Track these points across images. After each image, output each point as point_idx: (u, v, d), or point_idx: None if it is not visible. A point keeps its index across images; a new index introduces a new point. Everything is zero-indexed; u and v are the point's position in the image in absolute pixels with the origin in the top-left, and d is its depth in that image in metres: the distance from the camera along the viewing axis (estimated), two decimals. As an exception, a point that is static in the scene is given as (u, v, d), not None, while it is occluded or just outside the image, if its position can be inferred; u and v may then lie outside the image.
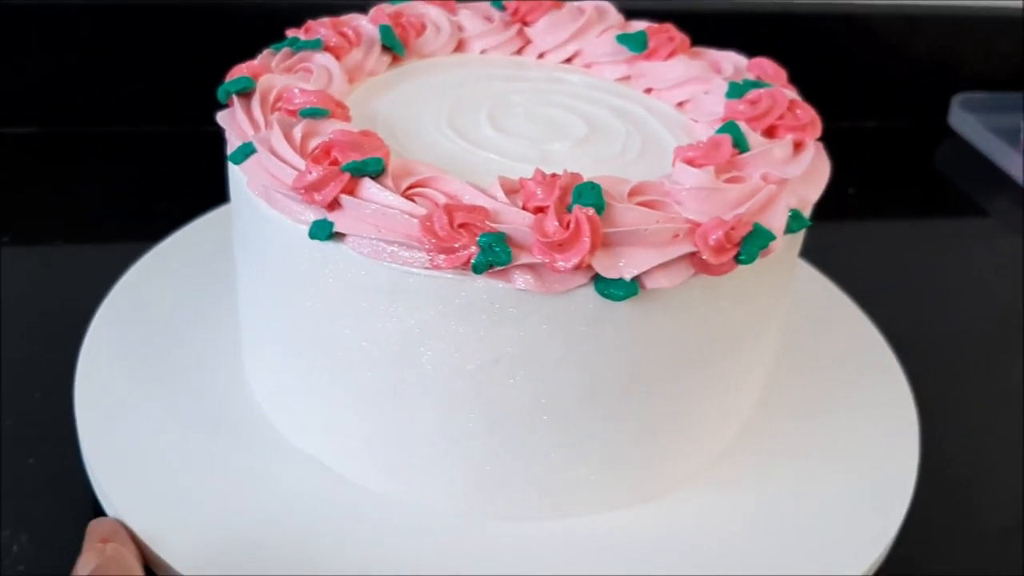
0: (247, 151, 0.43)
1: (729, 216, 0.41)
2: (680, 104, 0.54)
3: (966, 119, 0.95)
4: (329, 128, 0.43)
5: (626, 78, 0.56)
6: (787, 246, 0.45)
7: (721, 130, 0.46)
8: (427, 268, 0.39)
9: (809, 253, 0.55)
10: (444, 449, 0.44)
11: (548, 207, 0.39)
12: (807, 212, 0.45)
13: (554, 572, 0.44)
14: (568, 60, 0.58)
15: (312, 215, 0.41)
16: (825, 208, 0.48)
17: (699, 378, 0.45)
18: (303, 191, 0.40)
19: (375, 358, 0.43)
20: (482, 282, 0.39)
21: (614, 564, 0.45)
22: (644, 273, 0.39)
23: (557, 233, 0.38)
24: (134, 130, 0.81)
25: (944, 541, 0.52)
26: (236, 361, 0.53)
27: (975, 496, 0.55)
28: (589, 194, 0.39)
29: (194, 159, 0.71)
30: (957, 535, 0.53)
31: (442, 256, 0.38)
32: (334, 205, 0.40)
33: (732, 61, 0.55)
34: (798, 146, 0.47)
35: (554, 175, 0.41)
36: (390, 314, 0.41)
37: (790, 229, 0.43)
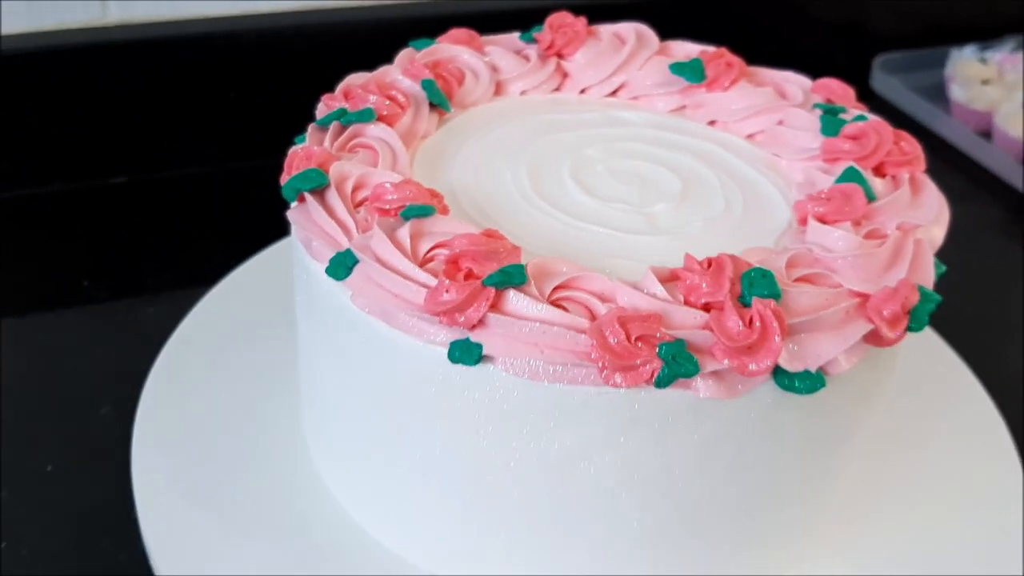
0: (348, 263, 0.38)
1: (890, 281, 0.38)
2: (750, 136, 0.51)
3: (888, 81, 0.95)
4: (438, 228, 0.38)
5: (681, 108, 0.53)
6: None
7: (843, 178, 0.43)
8: (598, 386, 0.35)
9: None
10: (603, 566, 0.41)
11: (723, 303, 0.35)
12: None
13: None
14: (612, 93, 0.54)
15: (448, 335, 0.36)
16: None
17: (859, 443, 0.42)
18: (442, 313, 0.35)
19: (527, 480, 0.38)
20: (659, 394, 0.35)
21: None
22: (836, 359, 0.36)
23: (743, 335, 0.35)
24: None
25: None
26: (309, 464, 0.48)
27: None
28: (762, 283, 0.36)
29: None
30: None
31: (619, 374, 0.34)
32: (478, 323, 0.36)
33: (797, 84, 0.52)
34: (912, 183, 0.45)
35: (711, 262, 0.37)
36: (546, 435, 0.37)
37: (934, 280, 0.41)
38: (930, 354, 0.58)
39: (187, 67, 0.75)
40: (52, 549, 0.48)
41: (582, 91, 0.54)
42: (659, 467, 0.38)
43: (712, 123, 0.52)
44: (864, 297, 0.38)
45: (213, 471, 0.48)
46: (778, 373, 0.36)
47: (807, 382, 0.36)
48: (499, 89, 0.53)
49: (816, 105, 0.50)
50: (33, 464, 0.52)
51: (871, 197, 0.42)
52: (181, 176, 0.78)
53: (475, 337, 0.36)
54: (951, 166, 0.88)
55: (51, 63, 0.71)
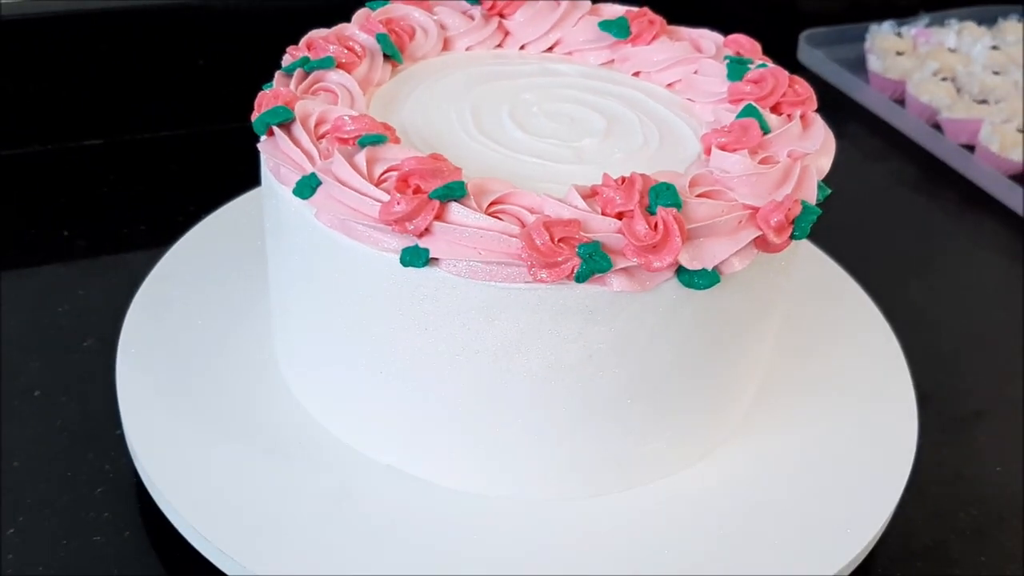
0: (312, 184, 0.44)
1: (777, 196, 0.45)
2: (670, 85, 0.57)
3: (813, 53, 1.01)
4: (390, 154, 0.44)
5: (610, 62, 0.59)
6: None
7: (742, 114, 0.49)
8: (527, 283, 0.41)
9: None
10: (537, 444, 0.47)
11: (632, 211, 0.42)
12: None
13: (642, 535, 0.48)
14: (549, 49, 0.60)
15: (399, 243, 0.42)
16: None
17: (758, 342, 0.49)
18: (394, 222, 0.41)
19: (469, 369, 0.45)
20: (580, 289, 0.42)
21: (691, 522, 0.49)
22: (729, 259, 0.43)
23: (648, 236, 0.41)
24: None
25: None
26: (277, 375, 0.54)
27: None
28: (666, 194, 0.42)
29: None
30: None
31: (544, 271, 0.41)
32: (424, 231, 0.42)
33: (711, 40, 0.58)
34: (803, 119, 0.51)
35: (625, 179, 0.43)
36: (486, 327, 0.43)
37: (818, 199, 0.48)
38: (836, 285, 0.66)
39: (158, 36, 0.79)
40: (42, 463, 0.53)
41: (522, 47, 0.60)
42: (582, 356, 0.44)
43: (636, 74, 0.58)
44: (755, 209, 0.44)
45: (191, 386, 0.53)
46: (681, 272, 0.43)
47: (704, 279, 0.42)
48: (447, 45, 0.59)
49: (727, 57, 0.56)
50: (21, 390, 0.57)
51: (766, 130, 0.49)
52: (153, 139, 0.82)
53: (423, 243, 0.42)
54: (869, 130, 0.96)
55: (27, 32, 0.75)
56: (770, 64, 0.56)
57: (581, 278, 0.41)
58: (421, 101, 0.53)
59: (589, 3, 0.61)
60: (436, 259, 0.42)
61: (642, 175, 0.43)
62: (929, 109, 0.92)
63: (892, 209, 0.86)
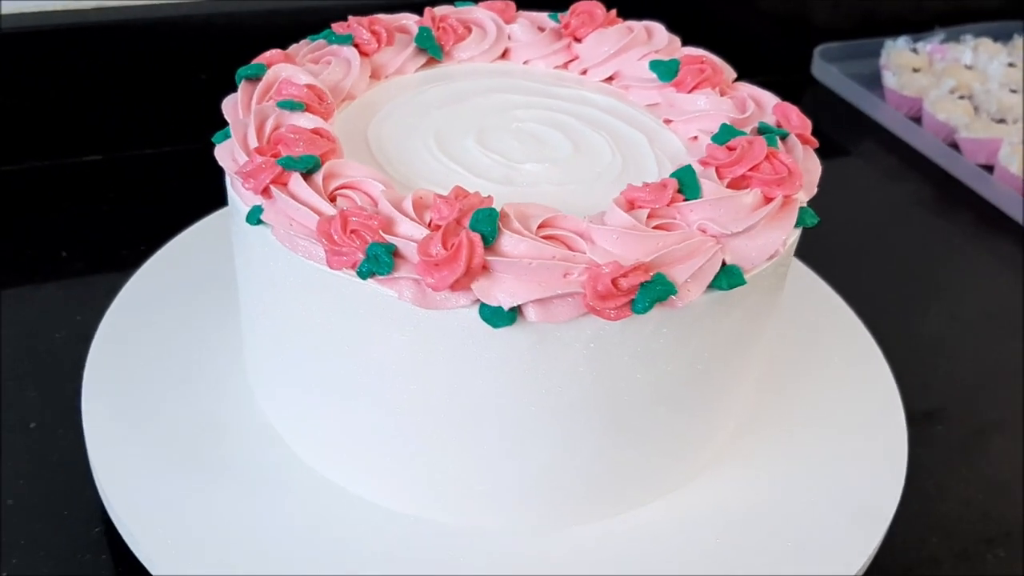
0: (227, 135, 0.47)
1: (625, 261, 0.40)
2: (693, 138, 0.52)
3: (827, 69, 1.00)
4: (294, 121, 0.46)
5: (655, 105, 0.55)
6: (721, 301, 0.43)
7: (675, 173, 0.45)
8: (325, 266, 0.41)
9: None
10: (378, 440, 0.47)
11: (441, 227, 0.40)
12: (753, 270, 0.44)
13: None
14: (609, 79, 0.58)
15: (252, 200, 0.44)
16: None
17: (602, 408, 0.44)
18: (243, 176, 0.44)
19: (307, 345, 0.46)
20: (370, 287, 0.41)
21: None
22: (529, 305, 0.39)
23: (439, 254, 0.39)
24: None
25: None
26: (245, 388, 0.54)
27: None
28: (485, 220, 0.40)
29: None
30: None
31: (335, 258, 0.41)
32: (267, 194, 0.43)
33: (762, 103, 0.53)
34: (766, 199, 0.45)
35: (465, 195, 0.41)
36: (308, 305, 0.44)
37: (719, 285, 0.42)
38: (828, 308, 0.64)
39: (161, 50, 0.77)
40: (37, 500, 0.50)
41: (583, 72, 0.58)
42: (387, 362, 0.43)
43: (667, 122, 0.54)
44: (596, 266, 0.40)
45: (161, 416, 0.51)
46: (483, 306, 0.40)
47: (499, 317, 0.39)
48: (507, 54, 0.59)
49: (761, 123, 0.50)
50: (16, 422, 0.54)
51: (690, 196, 0.44)
52: (155, 154, 0.79)
53: (265, 206, 0.43)
54: (885, 148, 0.94)
55: (26, 45, 0.73)
56: (790, 136, 0.49)
57: (362, 275, 0.40)
58: (421, 97, 0.54)
59: (667, 37, 0.58)
60: (267, 222, 0.43)
61: (485, 197, 0.41)
62: (946, 127, 0.90)
63: (908, 230, 0.84)
